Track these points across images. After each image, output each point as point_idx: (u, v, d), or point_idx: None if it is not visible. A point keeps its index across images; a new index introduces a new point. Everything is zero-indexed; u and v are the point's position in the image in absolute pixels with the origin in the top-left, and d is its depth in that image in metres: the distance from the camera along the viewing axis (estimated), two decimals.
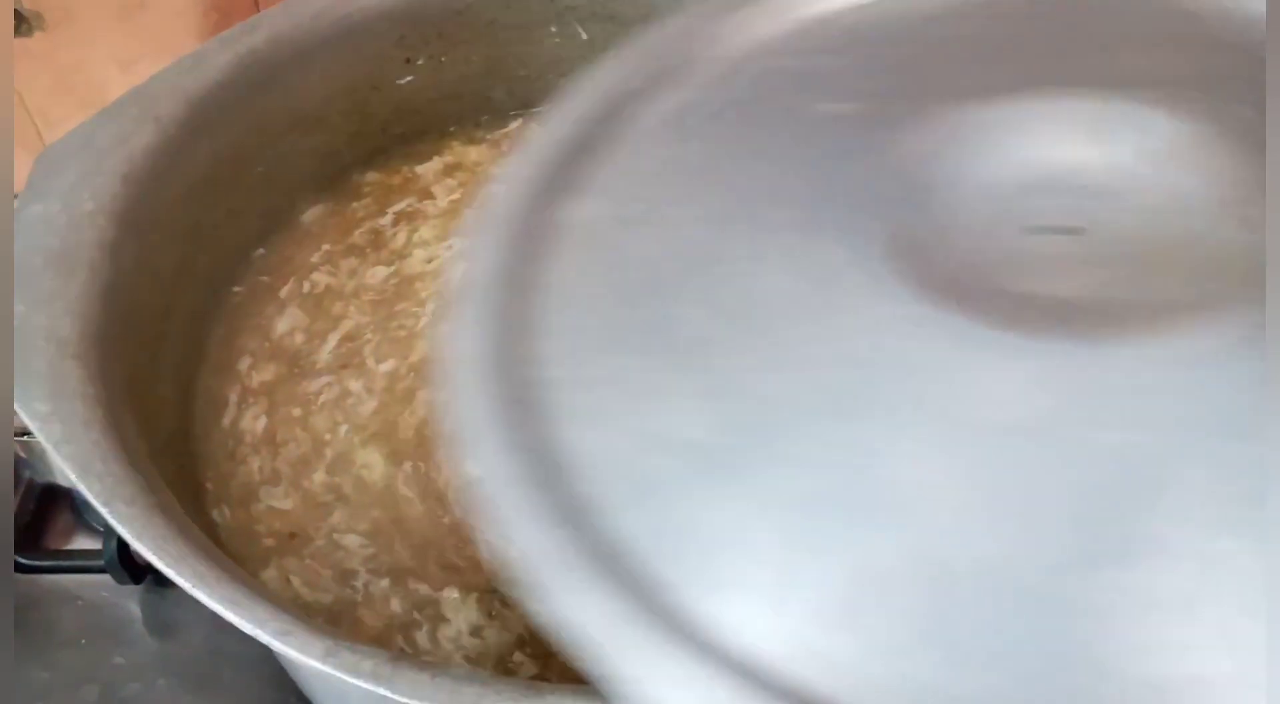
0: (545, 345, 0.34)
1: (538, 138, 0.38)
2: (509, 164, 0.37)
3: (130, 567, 0.48)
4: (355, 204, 0.48)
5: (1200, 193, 0.35)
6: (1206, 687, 0.25)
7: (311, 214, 0.48)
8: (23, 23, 0.53)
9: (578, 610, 0.27)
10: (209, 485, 0.40)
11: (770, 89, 0.41)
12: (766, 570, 0.28)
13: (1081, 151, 0.37)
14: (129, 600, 0.49)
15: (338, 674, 0.27)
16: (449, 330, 0.33)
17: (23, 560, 0.50)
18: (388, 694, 0.27)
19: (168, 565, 0.30)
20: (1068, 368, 0.30)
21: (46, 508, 0.52)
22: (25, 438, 0.47)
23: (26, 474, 0.52)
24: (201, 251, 0.43)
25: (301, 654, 0.28)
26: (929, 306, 0.31)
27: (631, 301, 0.35)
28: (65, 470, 0.32)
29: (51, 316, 0.35)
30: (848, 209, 0.35)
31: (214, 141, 0.42)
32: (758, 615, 0.28)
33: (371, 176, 0.49)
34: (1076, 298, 0.32)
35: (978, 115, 0.36)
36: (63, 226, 0.37)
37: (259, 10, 0.55)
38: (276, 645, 0.28)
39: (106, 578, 0.49)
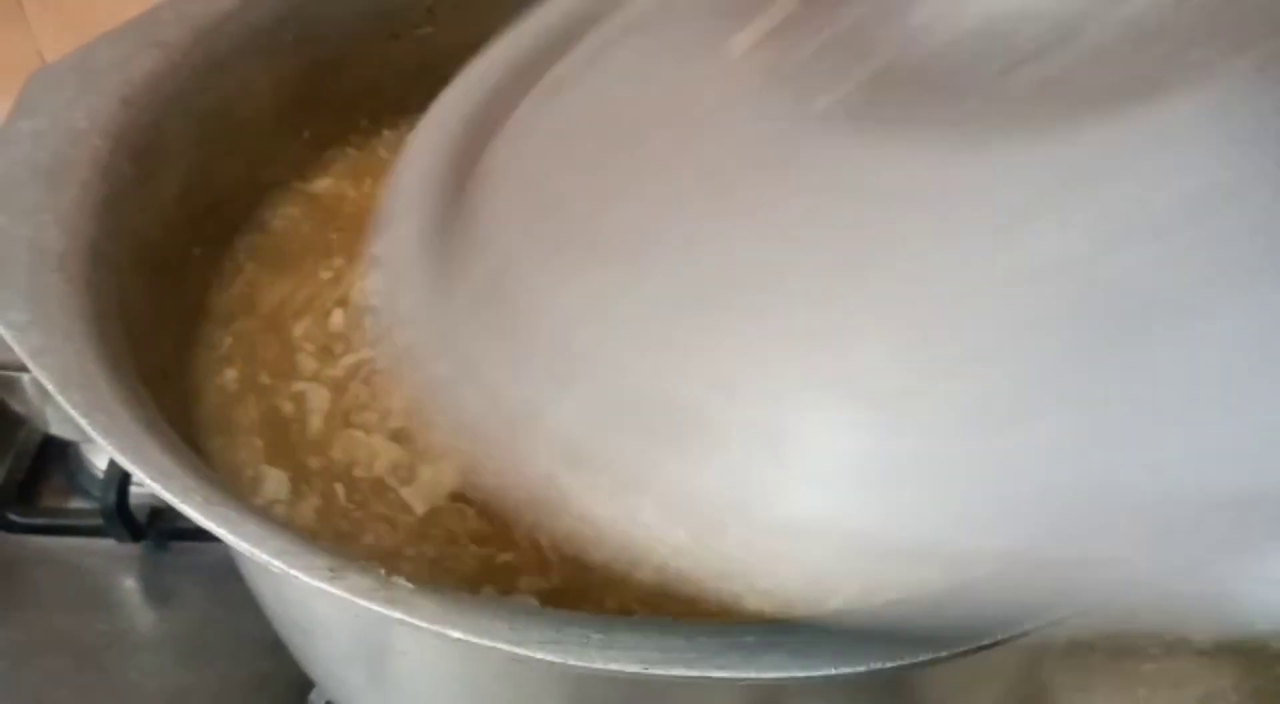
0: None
1: (507, 38, 0.37)
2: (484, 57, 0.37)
3: (130, 523, 0.46)
4: (383, 154, 0.46)
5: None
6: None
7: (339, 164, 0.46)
8: None
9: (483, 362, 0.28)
10: (201, 419, 0.37)
11: None
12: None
13: None
14: (119, 568, 0.47)
15: (349, 597, 0.25)
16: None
17: (15, 518, 0.48)
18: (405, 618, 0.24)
19: (155, 480, 0.27)
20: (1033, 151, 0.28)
21: (43, 466, 0.50)
22: (19, 373, 0.45)
23: (23, 424, 0.50)
24: (208, 185, 0.40)
25: (306, 575, 0.25)
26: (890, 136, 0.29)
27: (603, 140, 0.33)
28: (43, 380, 0.29)
29: (36, 227, 0.33)
30: (821, 57, 0.33)
31: (224, 76, 0.41)
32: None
33: (388, 132, 0.47)
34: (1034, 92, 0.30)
35: None
36: (53, 143, 0.35)
37: None
38: (276, 565, 0.25)
39: (99, 544, 0.47)
